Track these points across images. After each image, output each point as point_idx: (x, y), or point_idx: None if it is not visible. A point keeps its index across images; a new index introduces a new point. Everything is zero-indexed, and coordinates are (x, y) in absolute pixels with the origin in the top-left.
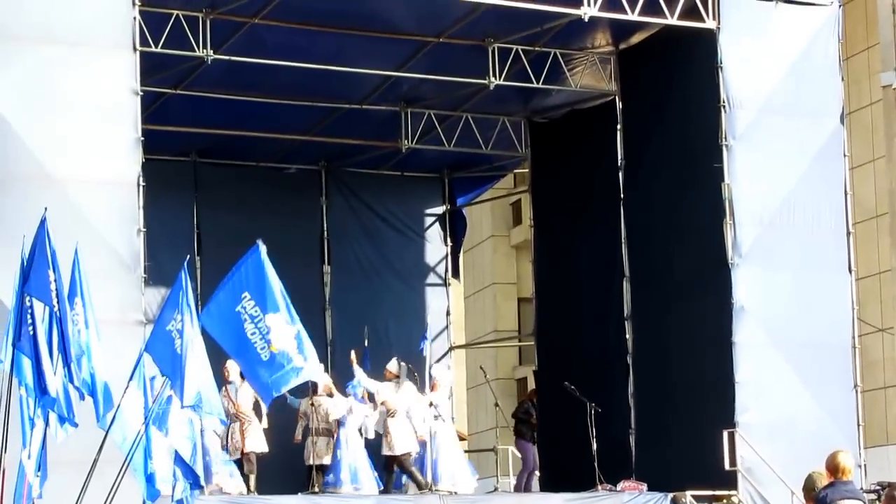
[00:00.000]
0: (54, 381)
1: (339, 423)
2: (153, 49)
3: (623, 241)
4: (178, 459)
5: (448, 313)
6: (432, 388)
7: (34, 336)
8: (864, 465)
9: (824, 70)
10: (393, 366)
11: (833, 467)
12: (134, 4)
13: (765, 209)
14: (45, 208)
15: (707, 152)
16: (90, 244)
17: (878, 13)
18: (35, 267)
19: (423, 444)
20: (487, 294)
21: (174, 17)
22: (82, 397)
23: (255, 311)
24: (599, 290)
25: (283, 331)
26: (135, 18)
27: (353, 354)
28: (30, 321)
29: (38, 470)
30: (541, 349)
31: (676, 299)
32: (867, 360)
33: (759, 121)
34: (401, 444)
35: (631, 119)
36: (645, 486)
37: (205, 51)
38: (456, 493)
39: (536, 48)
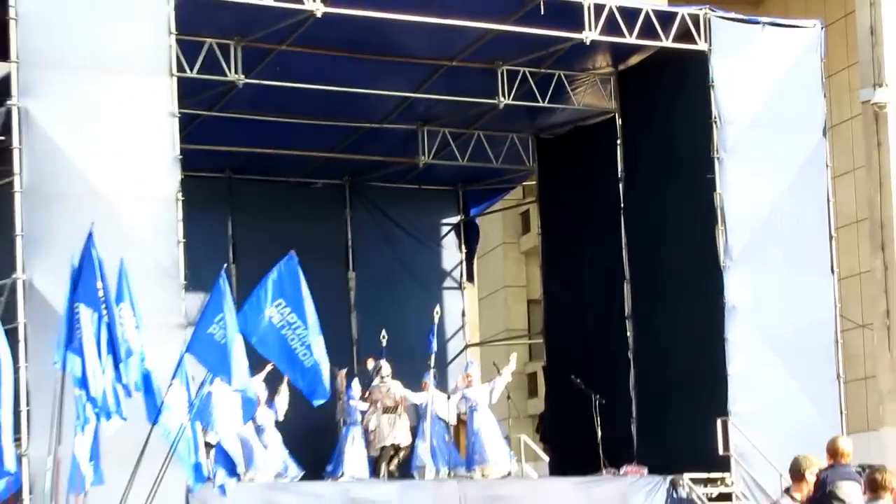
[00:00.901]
0: (100, 381)
1: (345, 421)
2: (189, 74)
3: (623, 246)
4: (220, 450)
5: (463, 314)
6: (468, 385)
7: (81, 346)
8: (851, 449)
9: (808, 87)
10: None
11: (833, 451)
12: (170, 33)
13: (754, 216)
14: (92, 223)
15: (700, 164)
16: (134, 255)
17: (858, 34)
18: (83, 276)
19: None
20: (499, 296)
21: (207, 44)
22: (129, 394)
23: (293, 318)
24: (602, 292)
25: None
26: (171, 46)
27: (369, 362)
28: (77, 326)
29: (92, 460)
30: (549, 346)
31: (673, 300)
32: (849, 353)
33: (748, 135)
34: (382, 438)
35: (630, 134)
36: (646, 470)
37: (236, 76)
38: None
39: (542, 70)
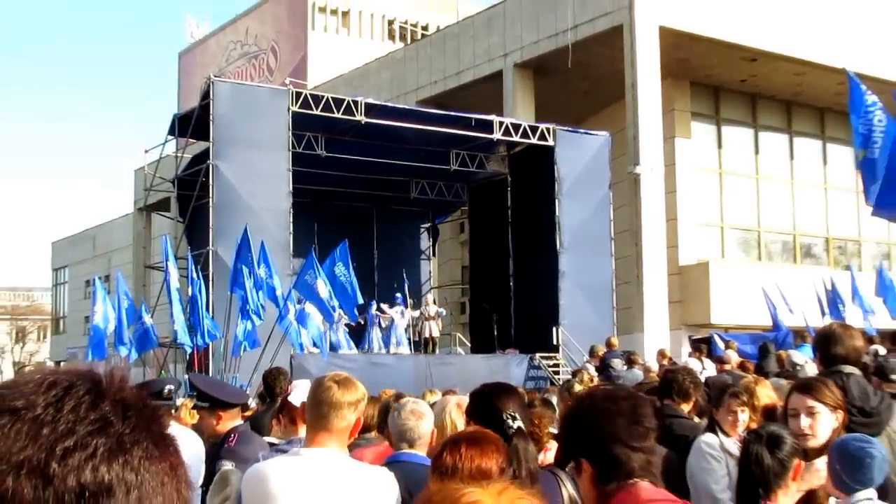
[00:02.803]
0: (252, 301)
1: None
2: (297, 150)
3: (510, 242)
4: (312, 337)
5: (430, 272)
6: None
7: (244, 282)
8: (618, 343)
9: (601, 164)
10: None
11: (608, 343)
12: (288, 129)
13: (574, 226)
14: (247, 223)
15: (549, 201)
16: (268, 239)
17: (627, 138)
18: (242, 250)
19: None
20: (448, 264)
21: (307, 136)
22: (264, 308)
23: (343, 272)
24: (498, 264)
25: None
26: (289, 137)
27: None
28: (240, 275)
29: (245, 338)
30: (472, 289)
31: (534, 267)
32: (620, 295)
33: (573, 188)
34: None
35: (515, 186)
36: (518, 351)
37: (321, 151)
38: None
39: (472, 152)
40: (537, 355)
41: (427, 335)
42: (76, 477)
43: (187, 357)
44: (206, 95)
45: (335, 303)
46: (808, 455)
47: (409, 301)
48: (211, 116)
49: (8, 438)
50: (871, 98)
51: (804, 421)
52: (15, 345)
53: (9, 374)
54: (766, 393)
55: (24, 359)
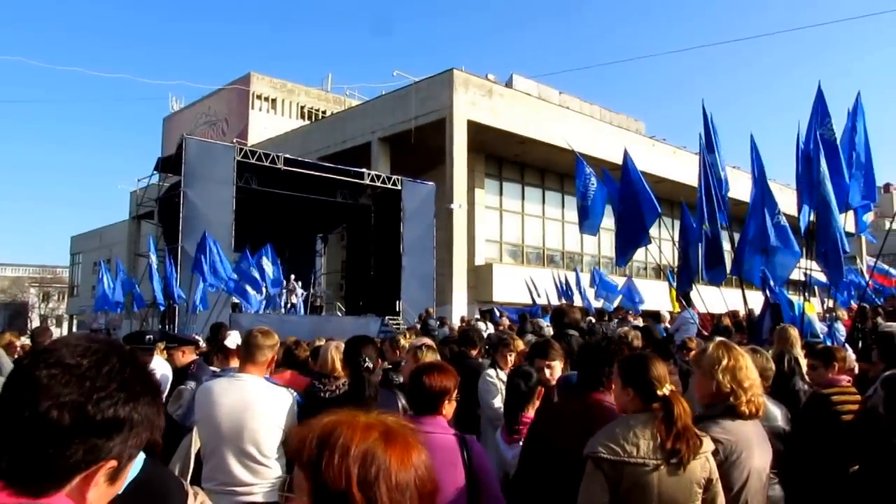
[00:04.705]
0: (209, 279)
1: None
2: (239, 185)
3: (372, 247)
4: (253, 302)
5: (322, 264)
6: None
7: (202, 267)
8: (435, 311)
9: (429, 202)
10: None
11: (426, 312)
12: (233, 170)
13: (412, 239)
14: (205, 230)
15: (397, 223)
16: (218, 240)
17: (446, 186)
18: (201, 246)
19: None
20: (334, 259)
21: (245, 176)
22: (217, 281)
23: (267, 264)
24: (364, 260)
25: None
26: (234, 177)
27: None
28: (199, 262)
29: (200, 302)
30: (347, 276)
31: (385, 263)
32: (438, 282)
33: (412, 216)
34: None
35: (377, 213)
36: (375, 315)
37: (255, 186)
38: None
39: (350, 190)
40: (386, 318)
41: (293, 301)
42: (102, 414)
43: (160, 314)
44: (180, 147)
45: (264, 282)
46: (549, 385)
47: (296, 282)
48: (183, 160)
49: (60, 384)
50: (589, 169)
51: (547, 372)
52: (41, 303)
53: (35, 324)
54: (521, 345)
55: (48, 313)
